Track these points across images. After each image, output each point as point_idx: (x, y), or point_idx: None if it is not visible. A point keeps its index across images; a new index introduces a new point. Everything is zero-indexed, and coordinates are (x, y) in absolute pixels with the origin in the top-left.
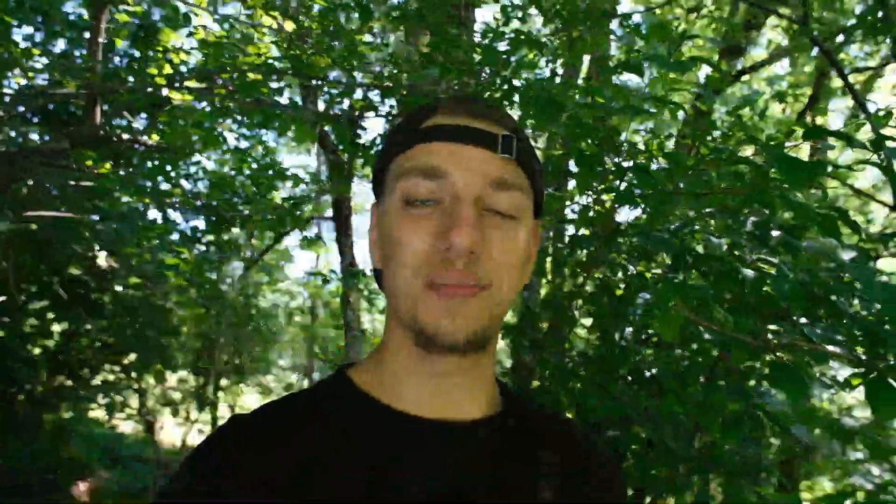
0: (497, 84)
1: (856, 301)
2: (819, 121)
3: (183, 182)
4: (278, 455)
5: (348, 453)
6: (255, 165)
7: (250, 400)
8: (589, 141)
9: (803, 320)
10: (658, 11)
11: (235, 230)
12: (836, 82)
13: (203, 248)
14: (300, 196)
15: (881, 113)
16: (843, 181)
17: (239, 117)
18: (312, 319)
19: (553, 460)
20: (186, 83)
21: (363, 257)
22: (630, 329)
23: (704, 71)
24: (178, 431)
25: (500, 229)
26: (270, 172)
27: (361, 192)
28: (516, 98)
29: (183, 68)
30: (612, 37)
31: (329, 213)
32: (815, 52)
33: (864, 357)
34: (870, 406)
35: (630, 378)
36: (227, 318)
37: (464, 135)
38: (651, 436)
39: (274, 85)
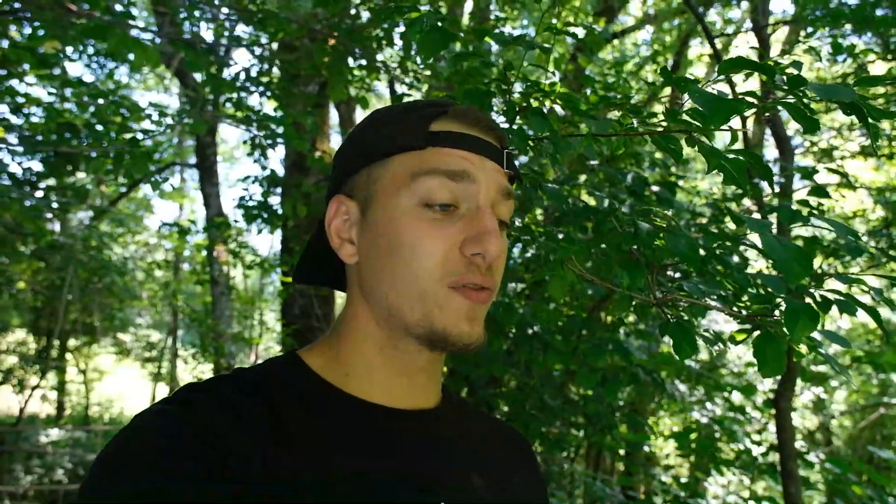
0: (380, 14)
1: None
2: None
3: (10, 116)
4: (236, 433)
5: (305, 437)
6: (101, 101)
7: (106, 361)
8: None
9: (678, 275)
10: None
11: (81, 174)
12: (693, 52)
13: (41, 193)
14: (151, 133)
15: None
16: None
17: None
18: (175, 274)
19: (498, 445)
20: None
21: (230, 207)
22: (511, 285)
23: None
24: (14, 399)
25: (502, 238)
26: (122, 111)
27: (232, 138)
28: (398, 33)
29: None
30: None
31: (192, 159)
32: (675, 22)
33: (745, 313)
34: (757, 361)
35: (512, 335)
36: (72, 272)
37: (481, 146)
38: (530, 393)
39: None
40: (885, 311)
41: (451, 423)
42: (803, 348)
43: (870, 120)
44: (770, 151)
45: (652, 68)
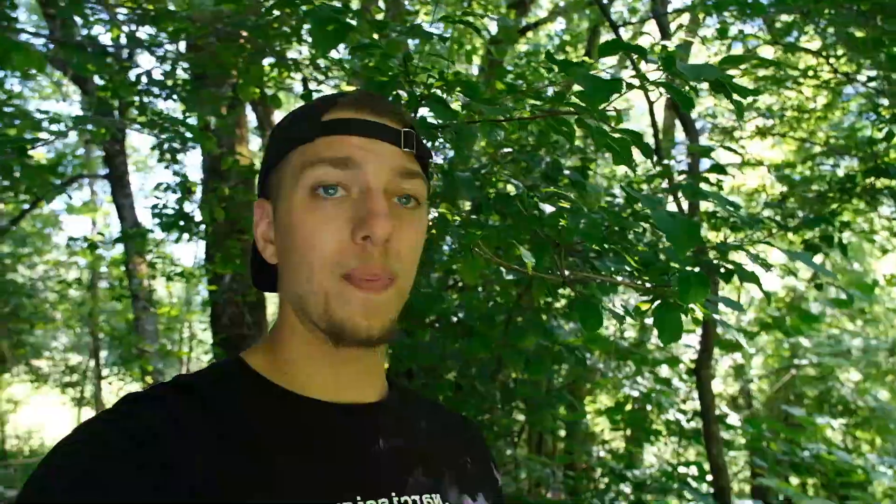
0: (277, 4)
1: (645, 232)
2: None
3: None
4: (176, 436)
5: (245, 437)
6: None
7: (20, 390)
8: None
9: (593, 254)
10: None
11: None
12: (604, 40)
13: None
14: (43, 142)
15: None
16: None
17: None
18: (92, 292)
19: (444, 432)
20: None
21: (146, 217)
22: (436, 275)
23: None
24: None
25: (406, 220)
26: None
27: (144, 146)
28: (304, 30)
29: None
30: None
31: (102, 171)
32: (586, 13)
33: (649, 285)
34: (657, 329)
35: (437, 324)
36: None
37: (370, 129)
38: (459, 380)
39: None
40: (792, 280)
41: (394, 416)
42: (699, 314)
43: (734, 96)
44: (680, 134)
45: (562, 57)
